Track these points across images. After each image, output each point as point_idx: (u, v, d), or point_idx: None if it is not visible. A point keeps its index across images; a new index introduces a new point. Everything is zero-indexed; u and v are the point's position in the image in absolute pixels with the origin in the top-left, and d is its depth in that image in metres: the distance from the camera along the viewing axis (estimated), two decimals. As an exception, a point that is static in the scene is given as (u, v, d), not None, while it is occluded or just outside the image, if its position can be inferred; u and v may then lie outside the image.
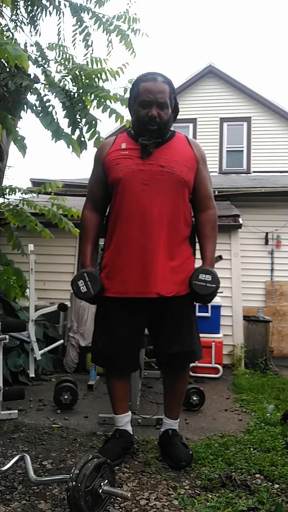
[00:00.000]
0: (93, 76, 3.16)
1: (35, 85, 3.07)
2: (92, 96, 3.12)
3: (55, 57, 3.47)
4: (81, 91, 3.16)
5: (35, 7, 3.56)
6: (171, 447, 1.92)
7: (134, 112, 1.92)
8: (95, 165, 2.03)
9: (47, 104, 3.05)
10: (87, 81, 3.17)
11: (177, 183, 1.86)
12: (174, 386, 2.00)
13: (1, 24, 3.53)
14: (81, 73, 3.18)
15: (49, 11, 3.59)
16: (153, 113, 1.84)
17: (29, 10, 3.60)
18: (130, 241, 1.84)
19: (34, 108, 3.06)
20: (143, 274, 1.81)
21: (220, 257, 4.03)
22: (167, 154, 1.88)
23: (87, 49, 3.46)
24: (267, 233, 6.03)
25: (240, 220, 4.99)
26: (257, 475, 1.79)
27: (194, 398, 2.83)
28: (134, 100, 1.93)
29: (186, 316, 1.91)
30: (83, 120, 3.11)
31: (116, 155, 1.91)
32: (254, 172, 8.13)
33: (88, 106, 3.18)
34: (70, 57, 3.45)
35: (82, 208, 2.11)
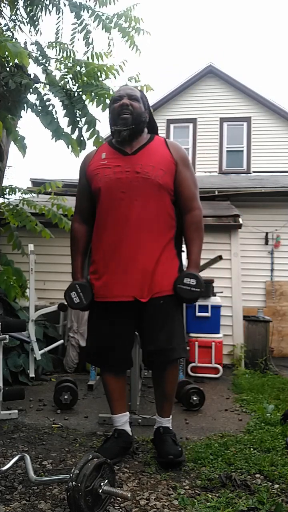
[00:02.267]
0: (93, 73, 3.14)
1: (35, 84, 3.06)
2: (93, 94, 3.11)
3: (56, 55, 3.46)
4: (80, 90, 3.15)
5: (35, 6, 3.54)
6: (161, 443, 1.93)
7: (110, 112, 2.03)
8: (80, 177, 2.10)
9: (47, 104, 3.04)
10: (87, 79, 3.16)
11: (153, 188, 1.89)
12: (161, 384, 2.01)
13: (1, 24, 3.53)
14: (81, 70, 3.16)
15: (49, 9, 3.58)
16: (125, 101, 1.96)
17: (28, 10, 3.59)
18: (111, 248, 1.89)
19: (34, 107, 3.06)
20: (122, 278, 1.86)
21: (220, 257, 4.03)
22: (143, 159, 1.92)
23: (87, 47, 3.45)
24: (267, 233, 6.04)
25: (240, 220, 4.99)
26: (257, 475, 1.79)
27: (194, 398, 2.83)
28: (111, 107, 2.05)
29: (167, 314, 1.90)
30: (83, 119, 3.10)
31: (96, 166, 1.98)
32: (254, 172, 8.13)
33: (89, 102, 3.16)
34: (72, 53, 3.43)
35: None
